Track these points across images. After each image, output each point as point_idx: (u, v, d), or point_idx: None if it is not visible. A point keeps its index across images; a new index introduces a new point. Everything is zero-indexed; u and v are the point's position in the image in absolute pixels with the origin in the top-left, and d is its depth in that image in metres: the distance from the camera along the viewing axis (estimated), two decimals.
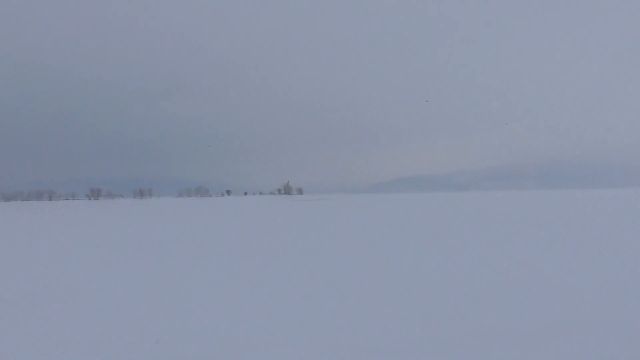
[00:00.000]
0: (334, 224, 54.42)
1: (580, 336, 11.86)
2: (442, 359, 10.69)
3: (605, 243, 30.68)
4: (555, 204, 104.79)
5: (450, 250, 28.54)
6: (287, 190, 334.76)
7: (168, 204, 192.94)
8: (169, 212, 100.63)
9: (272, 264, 24.58)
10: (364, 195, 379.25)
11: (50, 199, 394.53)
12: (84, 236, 44.87)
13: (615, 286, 17.52)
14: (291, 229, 48.09)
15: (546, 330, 12.43)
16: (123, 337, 12.76)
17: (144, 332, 13.07)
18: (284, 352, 11.30)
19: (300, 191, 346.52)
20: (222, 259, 26.57)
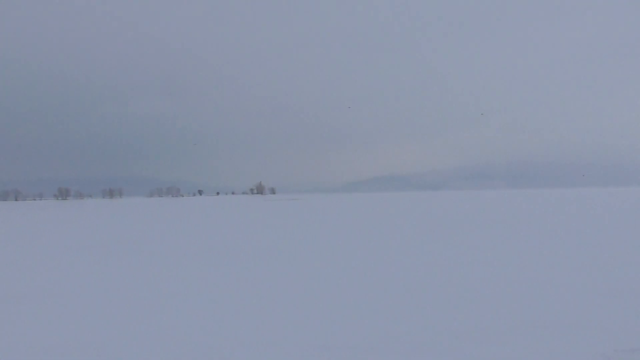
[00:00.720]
0: (306, 225, 54.30)
1: (551, 334, 11.93)
2: (419, 356, 10.63)
3: (574, 242, 31.20)
4: (524, 203, 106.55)
5: (425, 250, 28.66)
6: (259, 190, 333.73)
7: (139, 204, 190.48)
8: (140, 213, 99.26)
9: (245, 266, 24.30)
10: (338, 194, 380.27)
11: (16, 199, 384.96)
12: (51, 238, 43.82)
13: (585, 283, 17.75)
14: (263, 230, 47.80)
15: (519, 328, 12.47)
16: (97, 339, 12.38)
17: (120, 334, 12.70)
18: (267, 353, 11.09)
19: (273, 191, 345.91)
20: (194, 261, 26.17)
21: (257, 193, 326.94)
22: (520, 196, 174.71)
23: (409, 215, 69.18)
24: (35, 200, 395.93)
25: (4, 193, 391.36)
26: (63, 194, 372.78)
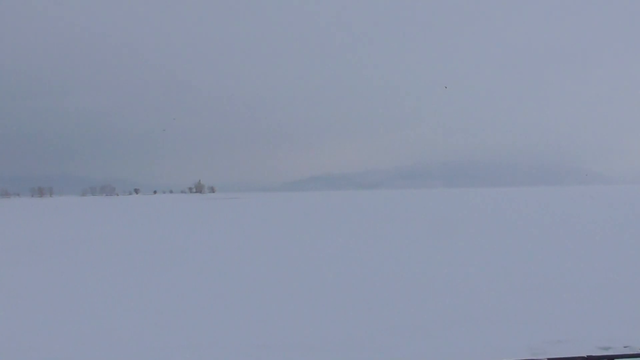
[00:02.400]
0: (245, 223, 53.79)
1: (482, 328, 12.27)
2: (348, 353, 10.66)
3: (500, 240, 32.36)
4: (457, 202, 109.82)
5: (357, 248, 28.92)
6: (199, 188, 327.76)
7: (70, 203, 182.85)
8: (71, 212, 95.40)
9: (178, 265, 23.76)
10: (277, 193, 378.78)
11: None
12: None
13: (512, 280, 18.40)
14: (200, 229, 46.97)
15: (452, 323, 12.76)
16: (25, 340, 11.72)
17: (44, 336, 12.08)
18: (201, 353, 10.83)
19: (212, 189, 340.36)
20: (128, 261, 25.36)
21: (196, 192, 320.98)
22: (454, 195, 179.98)
23: (341, 214, 69.75)
24: None
25: None
26: None
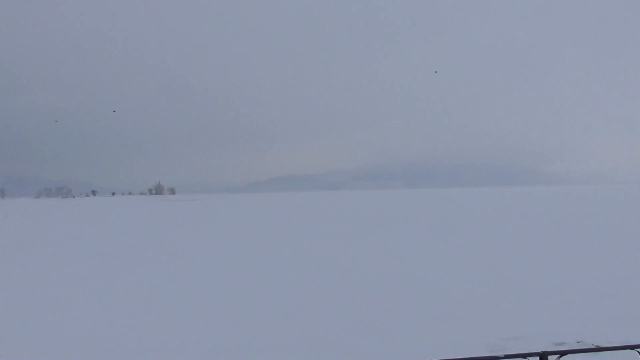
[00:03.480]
0: (205, 226, 53.25)
1: (442, 326, 12.48)
2: (311, 354, 10.69)
3: (460, 239, 33.00)
4: (419, 202, 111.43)
5: (320, 249, 29.03)
6: (158, 190, 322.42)
7: (24, 205, 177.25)
8: (23, 215, 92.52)
9: (132, 269, 23.34)
10: (240, 194, 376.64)
11: None
12: None
13: (472, 279, 18.78)
14: (157, 232, 46.28)
15: (412, 322, 12.93)
16: None
17: None
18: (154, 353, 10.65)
19: (172, 191, 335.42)
20: (81, 265, 24.77)
21: (156, 193, 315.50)
22: (415, 195, 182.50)
23: (305, 214, 69.97)
24: None
25: None
26: None
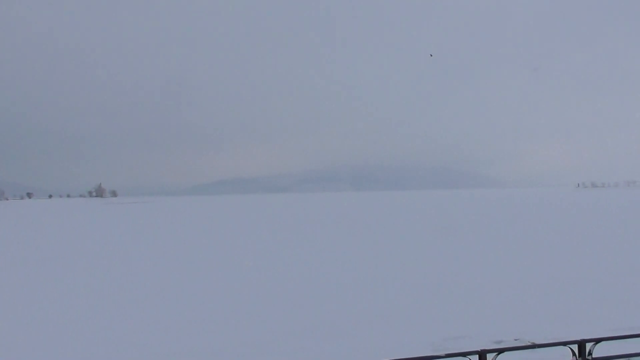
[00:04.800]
0: (146, 229, 52.08)
1: (387, 327, 12.71)
2: (257, 358, 10.68)
3: (399, 241, 33.65)
4: (364, 205, 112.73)
5: (265, 251, 28.94)
6: (99, 192, 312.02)
7: None
8: None
9: (70, 276, 22.61)
10: (183, 197, 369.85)
11: None
12: None
13: (414, 280, 19.20)
14: (96, 236, 44.94)
15: (359, 323, 13.11)
16: None
17: None
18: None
19: (114, 193, 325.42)
20: (14, 272, 23.78)
21: (97, 196, 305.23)
22: (359, 198, 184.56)
23: (242, 217, 69.55)
24: None
25: None
26: None
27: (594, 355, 6.26)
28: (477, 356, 5.89)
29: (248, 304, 15.85)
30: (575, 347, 6.30)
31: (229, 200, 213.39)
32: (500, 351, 5.96)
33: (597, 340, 6.26)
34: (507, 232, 38.39)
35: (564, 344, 6.30)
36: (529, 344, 6.56)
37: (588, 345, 6.29)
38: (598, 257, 23.72)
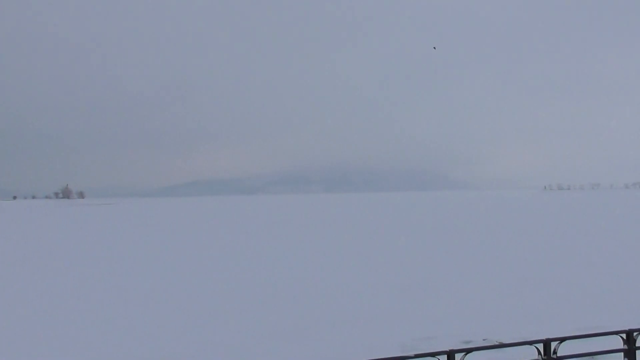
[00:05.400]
0: (112, 232, 51.31)
1: (357, 328, 12.76)
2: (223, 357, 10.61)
3: (370, 243, 33.85)
4: (337, 207, 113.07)
5: (234, 254, 28.79)
6: (66, 194, 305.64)
7: None
8: None
9: (33, 280, 22.12)
10: (153, 199, 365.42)
11: None
12: None
13: (384, 281, 19.33)
14: (60, 239, 44.07)
15: (328, 324, 13.12)
16: None
17: None
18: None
19: (81, 195, 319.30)
20: None
21: (63, 197, 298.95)
22: (332, 200, 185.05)
23: (211, 219, 69.07)
24: None
25: None
26: None
27: (558, 354, 6.43)
28: (445, 356, 5.98)
29: (216, 308, 15.73)
30: (540, 346, 6.45)
31: (199, 201, 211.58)
32: (468, 351, 6.06)
33: (562, 339, 6.42)
34: (475, 233, 38.95)
35: (530, 343, 6.45)
36: (497, 343, 6.68)
37: (553, 344, 6.44)
38: (563, 258, 24.24)
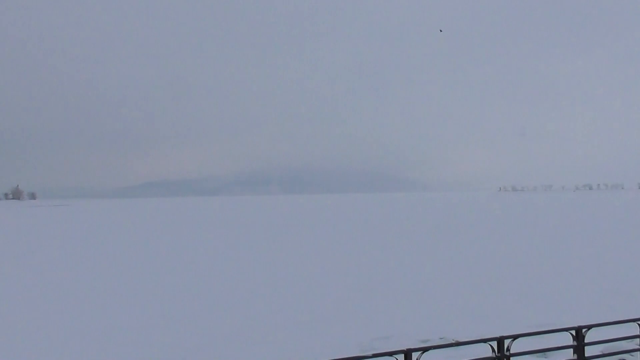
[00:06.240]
0: (62, 234, 49.92)
1: (316, 328, 12.79)
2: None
3: (331, 245, 34.02)
4: (295, 208, 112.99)
5: (188, 255, 28.46)
6: (16, 194, 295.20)
7: None
8: None
9: None
10: (108, 200, 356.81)
11: None
12: None
13: (343, 282, 19.45)
14: (6, 240, 42.61)
15: (287, 325, 13.11)
16: None
17: None
18: None
19: (33, 196, 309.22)
20: None
21: (14, 198, 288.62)
22: (290, 201, 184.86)
23: (163, 221, 68.09)
24: None
25: None
26: None
27: (511, 351, 6.66)
28: (403, 355, 6.11)
29: (167, 308, 15.51)
30: (494, 344, 6.67)
31: (154, 203, 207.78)
32: (425, 350, 6.20)
33: (515, 337, 6.66)
34: (431, 234, 39.60)
35: (485, 341, 6.66)
36: (453, 342, 6.86)
37: (507, 342, 6.67)
38: (516, 258, 24.92)
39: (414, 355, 6.22)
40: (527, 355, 6.91)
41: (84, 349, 11.64)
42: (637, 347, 7.74)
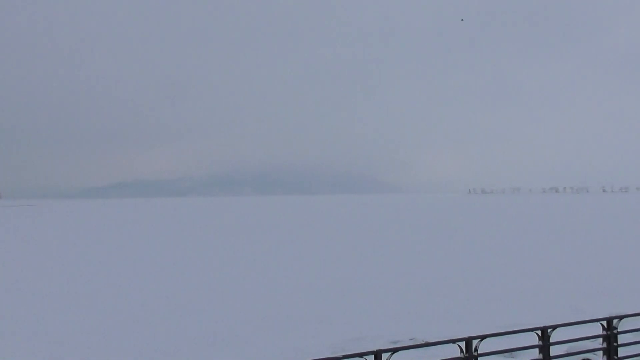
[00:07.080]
0: (23, 235, 48.87)
1: (289, 330, 12.79)
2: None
3: (305, 247, 34.05)
4: (269, 209, 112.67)
5: (151, 258, 28.16)
6: None
7: None
8: None
9: None
10: (76, 200, 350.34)
11: None
12: None
13: (310, 285, 19.49)
14: None
15: (259, 327, 13.08)
16: None
17: None
18: None
19: None
20: None
21: None
22: (262, 203, 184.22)
23: (142, 221, 67.32)
24: None
25: None
26: None
27: (479, 351, 6.79)
28: (373, 356, 6.17)
29: (137, 310, 15.33)
30: (463, 344, 6.78)
31: (124, 204, 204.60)
32: (394, 350, 6.28)
33: (482, 337, 6.78)
34: (400, 236, 39.95)
35: (453, 341, 6.78)
36: (423, 342, 6.96)
37: (474, 342, 6.79)
38: (485, 259, 25.33)
39: (384, 356, 6.29)
40: (494, 355, 7.05)
41: None
42: (600, 346, 7.96)
